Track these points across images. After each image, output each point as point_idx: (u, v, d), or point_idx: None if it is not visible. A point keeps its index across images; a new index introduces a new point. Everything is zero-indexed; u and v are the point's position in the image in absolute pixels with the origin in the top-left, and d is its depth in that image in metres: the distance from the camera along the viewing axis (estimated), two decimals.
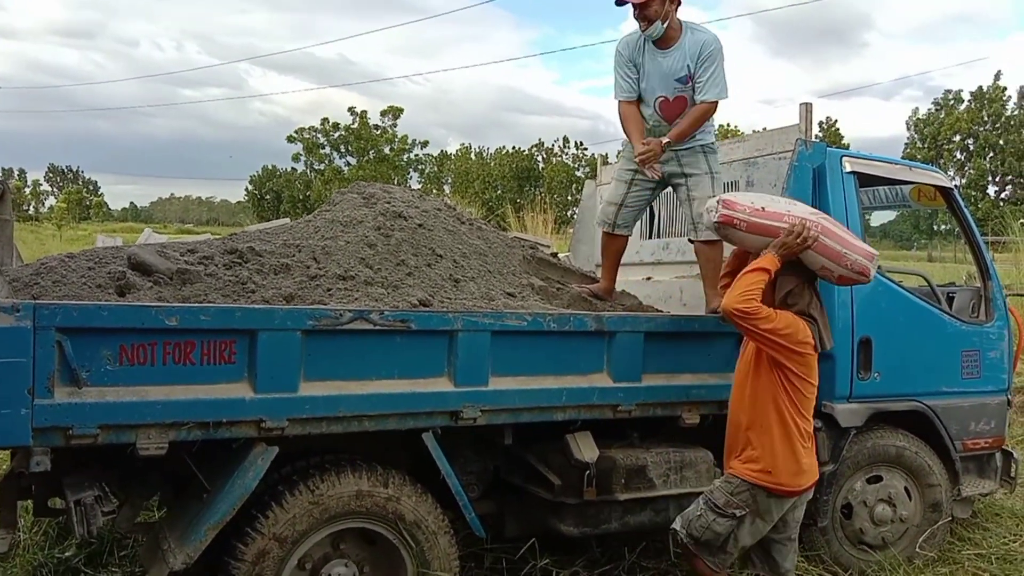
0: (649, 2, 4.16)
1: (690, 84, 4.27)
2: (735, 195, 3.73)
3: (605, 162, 6.67)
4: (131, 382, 2.85)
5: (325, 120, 51.83)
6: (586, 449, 3.77)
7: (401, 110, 52.54)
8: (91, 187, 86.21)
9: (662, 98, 4.36)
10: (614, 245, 4.59)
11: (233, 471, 3.08)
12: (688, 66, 4.25)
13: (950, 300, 5.08)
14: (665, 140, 4.26)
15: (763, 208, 3.59)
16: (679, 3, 4.28)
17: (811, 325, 3.50)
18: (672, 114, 4.36)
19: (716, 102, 4.27)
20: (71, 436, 2.76)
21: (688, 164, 4.39)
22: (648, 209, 4.99)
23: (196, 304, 3.14)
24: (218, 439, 3.04)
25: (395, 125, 51.74)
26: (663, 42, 4.29)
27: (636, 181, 4.47)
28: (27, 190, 63.41)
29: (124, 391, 2.83)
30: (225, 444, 3.13)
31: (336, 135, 51.67)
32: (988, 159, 52.37)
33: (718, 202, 3.62)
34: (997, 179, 53.20)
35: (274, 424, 3.05)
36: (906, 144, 55.79)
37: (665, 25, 4.22)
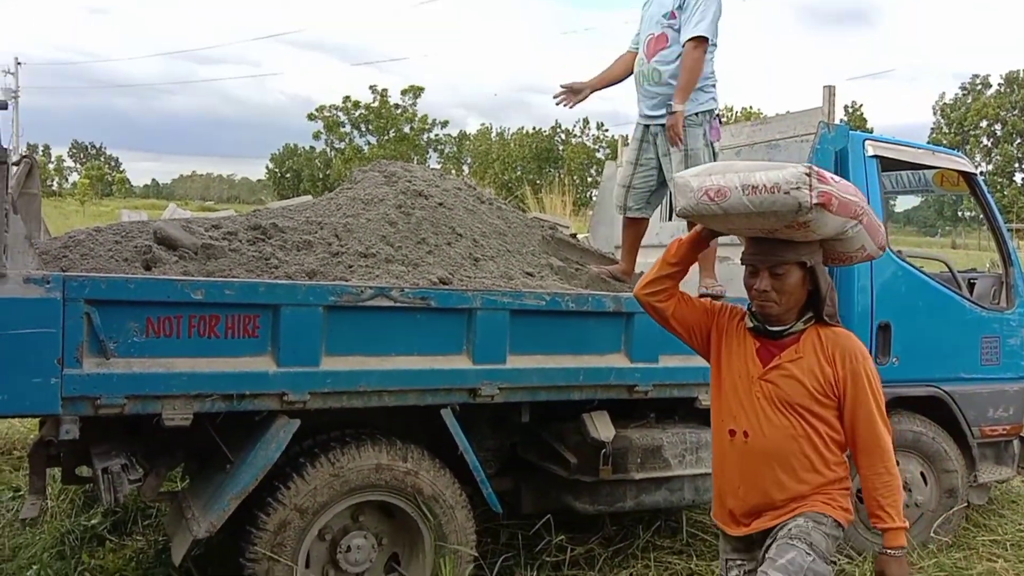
0: None
1: (674, 19, 4.17)
2: (818, 168, 2.55)
3: (626, 143, 6.64)
4: (157, 354, 2.91)
5: (347, 98, 51.89)
6: (602, 428, 3.80)
7: (422, 89, 52.49)
8: (113, 163, 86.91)
9: (649, 35, 4.29)
10: (632, 227, 4.55)
11: (256, 443, 3.14)
12: (677, 2, 4.17)
13: (971, 286, 5.06)
14: (676, 107, 4.06)
15: (835, 178, 2.59)
16: None
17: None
18: (651, 51, 4.25)
19: (702, 39, 4.06)
20: (99, 406, 2.82)
21: (669, 140, 4.20)
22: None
23: (221, 279, 3.20)
24: (241, 411, 3.09)
25: (415, 104, 51.73)
26: None
27: (641, 162, 4.41)
28: (51, 166, 64.02)
29: (150, 362, 2.89)
30: (248, 416, 3.19)
31: (357, 114, 51.69)
32: (1016, 145, 51.58)
33: (808, 175, 2.46)
34: None
35: (296, 397, 3.10)
36: (932, 129, 55.08)
37: None
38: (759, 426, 2.66)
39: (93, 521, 4.30)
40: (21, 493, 4.80)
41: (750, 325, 2.75)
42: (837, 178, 2.60)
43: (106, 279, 2.87)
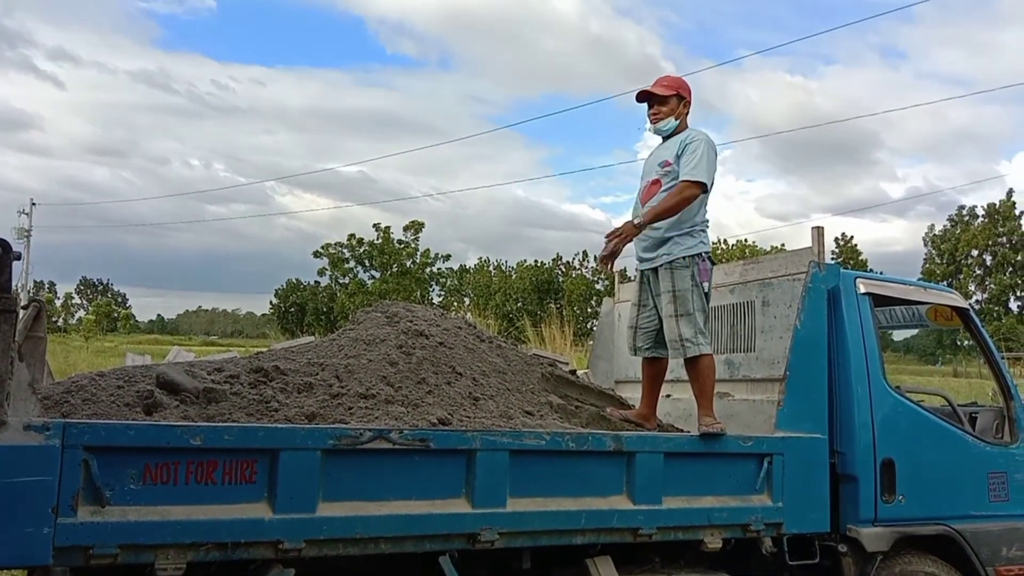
0: (668, 97, 4.42)
1: (668, 168, 4.32)
2: None
3: (623, 278, 6.78)
4: (153, 502, 2.88)
5: (352, 236, 53.00)
6: (606, 574, 3.69)
7: (422, 224, 53.66)
8: (119, 299, 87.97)
9: (646, 182, 4.46)
10: (646, 369, 4.55)
11: None
12: (674, 153, 4.33)
13: (973, 420, 5.03)
14: (637, 221, 4.22)
15: None
16: (689, 107, 4.48)
17: None
18: (646, 196, 4.42)
19: (696, 183, 4.19)
20: (91, 556, 2.77)
21: (661, 281, 4.32)
22: None
23: (220, 423, 3.20)
24: (235, 560, 3.03)
25: (416, 239, 52.77)
26: (668, 137, 4.47)
27: (643, 302, 4.50)
28: (58, 302, 64.96)
29: (146, 511, 2.86)
30: (242, 565, 3.11)
31: (361, 250, 52.71)
32: (1008, 274, 52.29)
33: None
34: (1019, 294, 52.92)
35: (291, 545, 3.04)
36: (924, 259, 56.01)
37: (677, 123, 4.43)
38: None
39: None
40: None
41: None
42: None
43: (106, 426, 2.88)
